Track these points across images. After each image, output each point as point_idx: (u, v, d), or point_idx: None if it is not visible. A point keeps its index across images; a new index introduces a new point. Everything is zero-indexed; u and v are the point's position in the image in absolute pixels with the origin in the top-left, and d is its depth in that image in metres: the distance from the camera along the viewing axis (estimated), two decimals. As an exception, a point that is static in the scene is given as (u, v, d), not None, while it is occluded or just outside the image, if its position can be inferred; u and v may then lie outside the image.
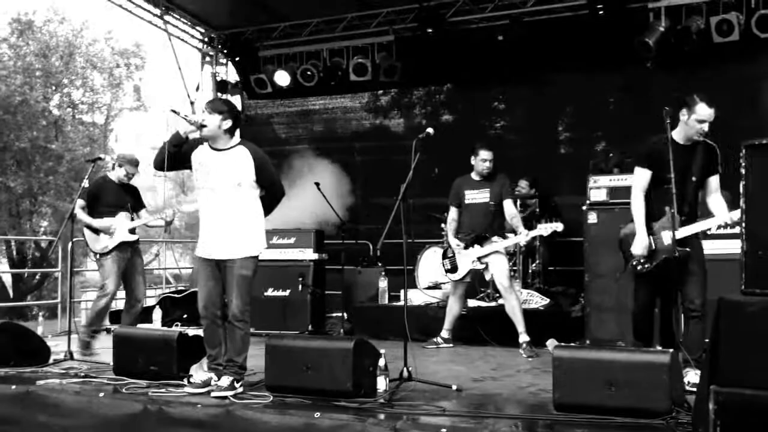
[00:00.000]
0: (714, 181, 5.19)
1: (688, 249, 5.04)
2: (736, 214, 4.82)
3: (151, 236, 12.62)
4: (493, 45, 10.03)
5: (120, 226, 6.96)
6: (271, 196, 5.30)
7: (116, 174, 7.13)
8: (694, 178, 5.13)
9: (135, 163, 7.17)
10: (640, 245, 5.16)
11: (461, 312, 7.47)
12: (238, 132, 5.26)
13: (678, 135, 5.17)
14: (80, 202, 6.95)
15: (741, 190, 3.66)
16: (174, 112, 5.08)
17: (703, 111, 5.01)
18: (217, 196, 5.10)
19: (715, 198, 5.20)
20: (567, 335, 7.26)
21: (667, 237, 5.08)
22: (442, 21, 10.17)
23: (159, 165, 5.19)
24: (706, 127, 5.03)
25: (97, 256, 7.00)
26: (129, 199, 7.16)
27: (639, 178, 5.27)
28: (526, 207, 9.18)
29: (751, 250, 3.60)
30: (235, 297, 5.03)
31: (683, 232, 5.04)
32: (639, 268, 5.20)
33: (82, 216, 6.92)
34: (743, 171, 3.64)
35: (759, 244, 3.57)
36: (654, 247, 5.16)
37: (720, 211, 5.10)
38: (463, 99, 11.22)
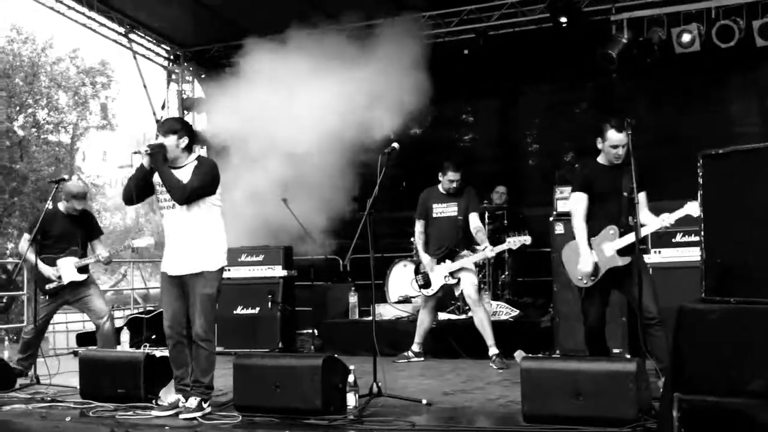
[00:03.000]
0: (642, 197, 5.29)
1: (630, 258, 5.18)
2: (668, 217, 5.16)
3: (120, 257, 12.48)
4: (460, 59, 10.10)
5: (66, 269, 6.69)
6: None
7: (64, 206, 6.85)
8: (624, 193, 5.29)
9: (81, 196, 6.84)
10: (586, 262, 5.29)
11: (432, 325, 7.47)
12: (199, 149, 5.24)
13: (602, 159, 5.44)
14: (27, 237, 6.71)
15: (699, 199, 3.73)
16: (137, 152, 5.09)
17: (613, 136, 5.24)
18: (175, 212, 5.08)
19: (644, 213, 5.34)
20: (536, 346, 7.30)
21: (607, 249, 5.26)
22: (409, 35, 10.21)
23: (128, 200, 5.21)
24: (620, 151, 5.26)
25: (46, 296, 6.75)
26: (79, 231, 6.85)
27: (577, 203, 5.47)
28: (495, 219, 9.22)
29: (709, 258, 3.66)
30: (198, 317, 4.99)
31: (622, 242, 5.22)
32: (585, 282, 5.32)
33: (29, 255, 6.65)
34: (700, 180, 3.70)
35: (717, 252, 3.63)
36: (596, 261, 5.29)
37: (651, 219, 5.29)
38: (432, 113, 11.27)
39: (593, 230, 5.38)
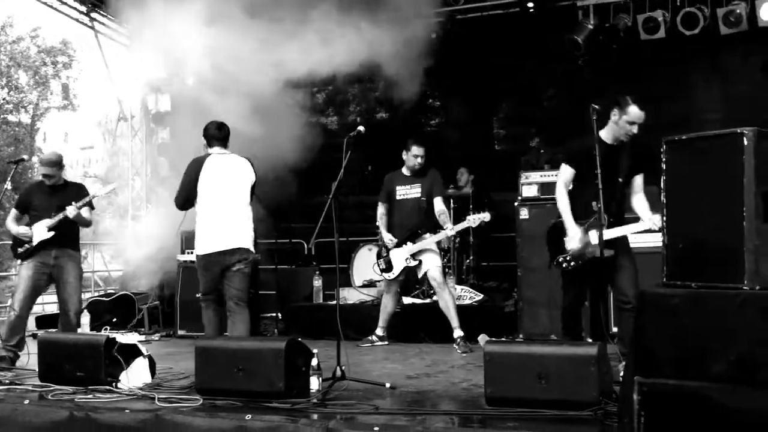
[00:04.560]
0: (638, 180, 5.27)
1: (613, 251, 5.09)
2: (658, 219, 4.84)
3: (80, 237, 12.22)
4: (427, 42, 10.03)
5: (37, 230, 6.51)
6: None
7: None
8: (620, 179, 5.16)
9: (51, 163, 6.60)
10: (574, 239, 5.14)
11: (396, 309, 7.46)
12: (213, 146, 6.03)
13: (606, 135, 5.18)
14: (13, 212, 6.66)
15: (662, 185, 3.75)
16: None
17: (634, 113, 5.04)
18: None
19: (638, 198, 5.29)
20: (500, 330, 7.34)
21: (593, 237, 5.09)
22: (376, 18, 10.13)
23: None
24: (635, 129, 5.07)
25: (20, 261, 6.59)
26: (57, 200, 6.55)
27: (563, 174, 5.34)
28: (461, 203, 9.21)
29: (671, 242, 3.69)
30: None
31: (609, 234, 5.03)
32: (565, 266, 5.25)
33: (8, 225, 6.64)
34: (663, 166, 3.73)
35: (679, 237, 3.66)
36: (581, 244, 5.18)
37: (644, 214, 5.20)
38: (398, 96, 11.21)
39: (579, 214, 5.18)
